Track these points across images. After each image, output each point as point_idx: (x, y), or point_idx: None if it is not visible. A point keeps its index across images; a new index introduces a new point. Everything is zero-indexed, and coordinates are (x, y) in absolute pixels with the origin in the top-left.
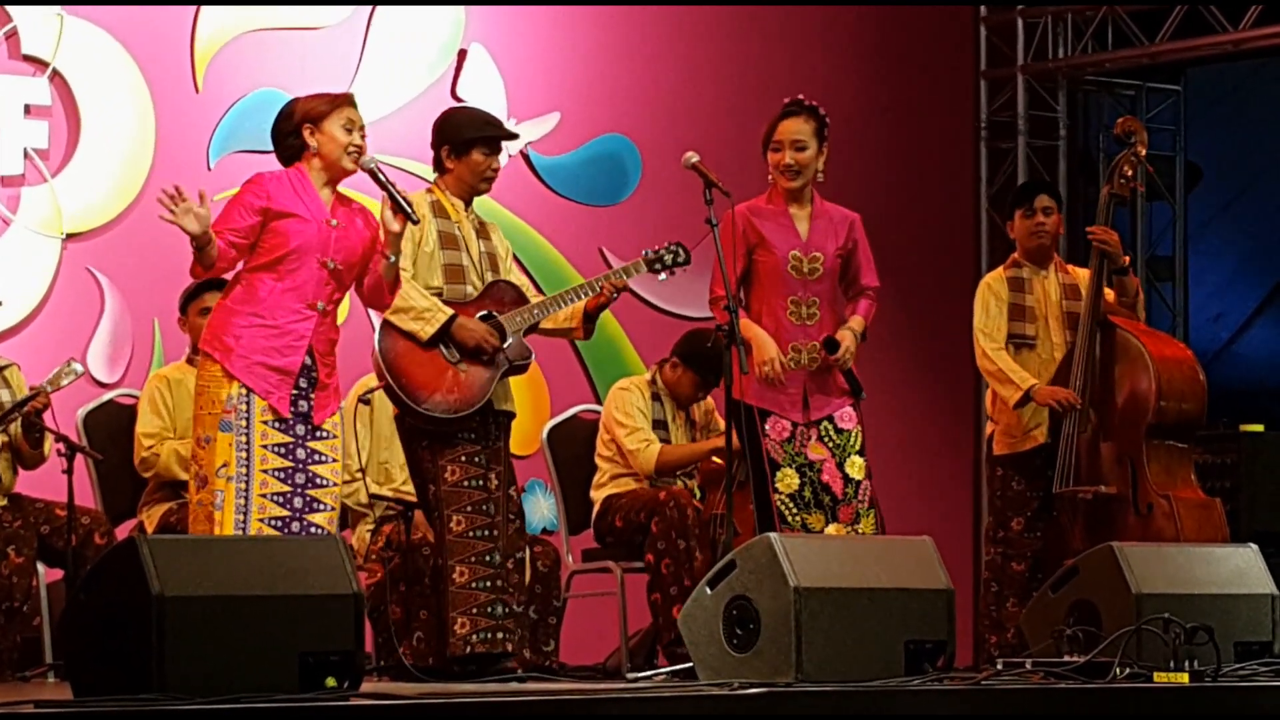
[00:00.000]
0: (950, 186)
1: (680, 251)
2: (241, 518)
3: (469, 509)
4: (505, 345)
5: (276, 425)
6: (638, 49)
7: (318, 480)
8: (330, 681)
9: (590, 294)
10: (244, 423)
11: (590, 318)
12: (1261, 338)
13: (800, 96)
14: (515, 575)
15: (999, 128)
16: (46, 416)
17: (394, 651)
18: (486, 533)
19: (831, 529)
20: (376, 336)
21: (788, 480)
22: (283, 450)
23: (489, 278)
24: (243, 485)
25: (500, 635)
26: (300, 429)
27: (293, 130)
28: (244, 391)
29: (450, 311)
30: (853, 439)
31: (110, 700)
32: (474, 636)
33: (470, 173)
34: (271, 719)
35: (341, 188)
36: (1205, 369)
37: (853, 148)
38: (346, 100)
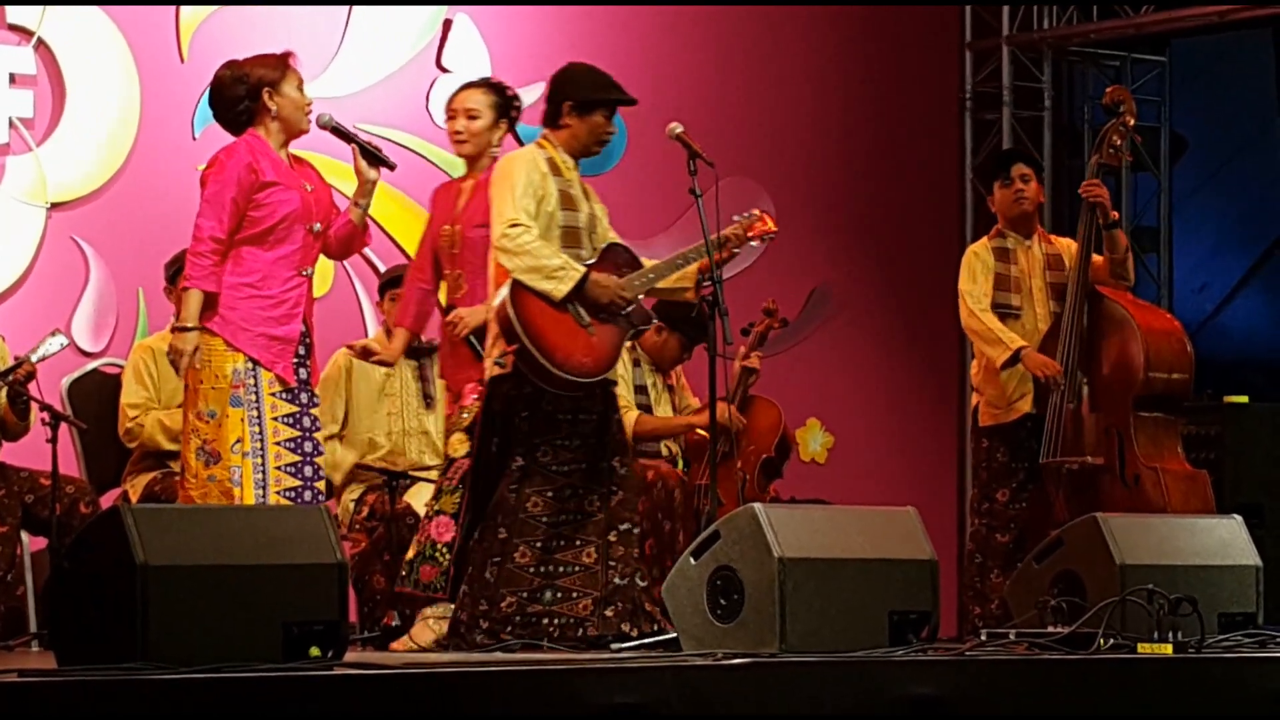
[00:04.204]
0: (935, 158)
1: (769, 220)
2: (261, 492)
3: (550, 494)
4: (629, 308)
5: (284, 396)
6: (622, 19)
7: (319, 448)
8: (314, 651)
9: (699, 258)
10: (254, 397)
11: (702, 278)
12: (1246, 309)
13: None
14: (620, 548)
15: (984, 99)
16: (31, 386)
17: (378, 621)
18: (557, 517)
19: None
20: (507, 297)
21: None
22: (291, 420)
23: (594, 240)
24: (259, 460)
25: (544, 622)
26: (303, 397)
27: (246, 95)
28: (250, 365)
29: (583, 269)
30: (462, 414)
31: (94, 669)
32: (517, 618)
33: (589, 133)
34: (255, 688)
35: (292, 148)
36: (1189, 340)
37: (837, 118)
38: (291, 59)
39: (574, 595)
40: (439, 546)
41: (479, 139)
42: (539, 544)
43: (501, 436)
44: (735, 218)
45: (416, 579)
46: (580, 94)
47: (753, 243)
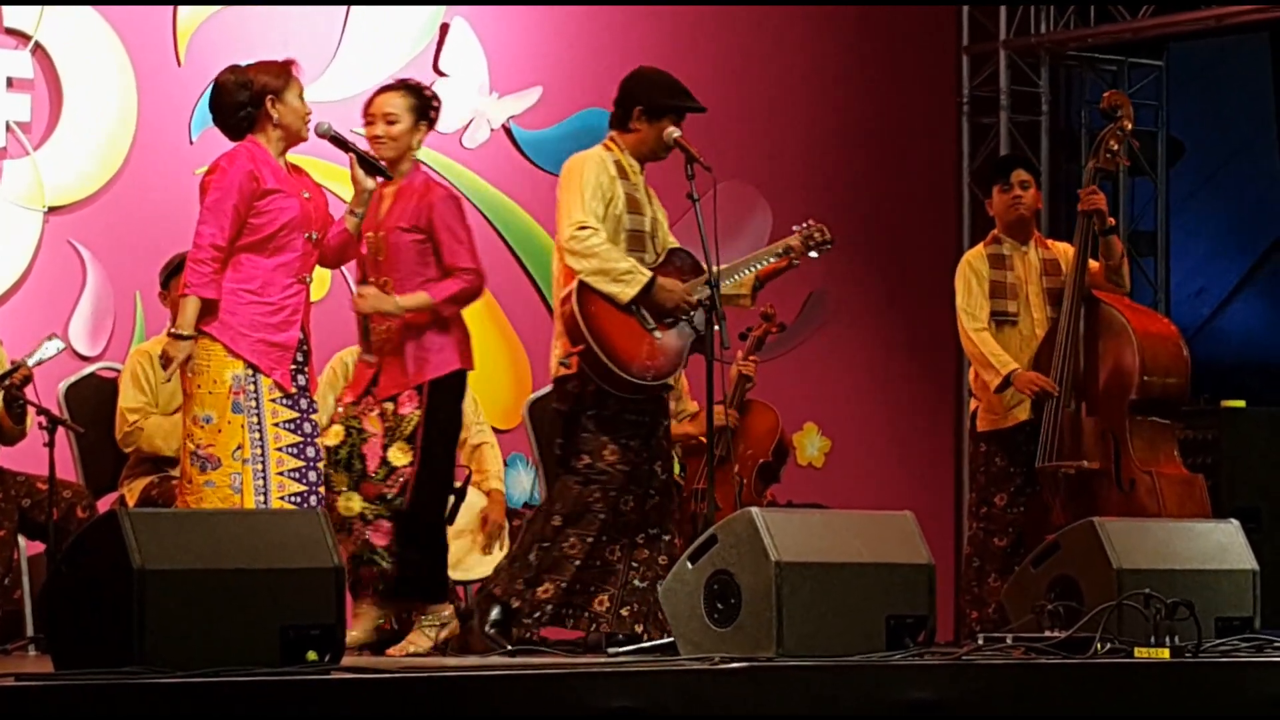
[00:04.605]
0: (932, 162)
1: (826, 231)
2: (262, 499)
3: (613, 492)
4: (693, 314)
5: (284, 402)
6: (619, 23)
7: (321, 453)
8: (311, 655)
9: (760, 265)
10: (254, 403)
11: (758, 285)
12: (1243, 313)
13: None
14: (645, 551)
15: (981, 103)
16: (28, 390)
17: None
18: (609, 514)
19: (353, 495)
20: (574, 299)
21: (333, 436)
22: (292, 426)
23: (656, 245)
24: (259, 467)
25: (563, 611)
26: (303, 403)
27: (249, 101)
28: (250, 371)
29: (650, 273)
30: (405, 424)
31: (91, 673)
32: (548, 607)
33: (657, 138)
34: (252, 692)
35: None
36: (1187, 344)
37: (835, 122)
38: (294, 68)
39: (592, 589)
40: (379, 550)
41: (399, 143)
42: (590, 538)
43: (566, 434)
44: (795, 228)
45: (357, 579)
46: (652, 99)
47: (811, 253)
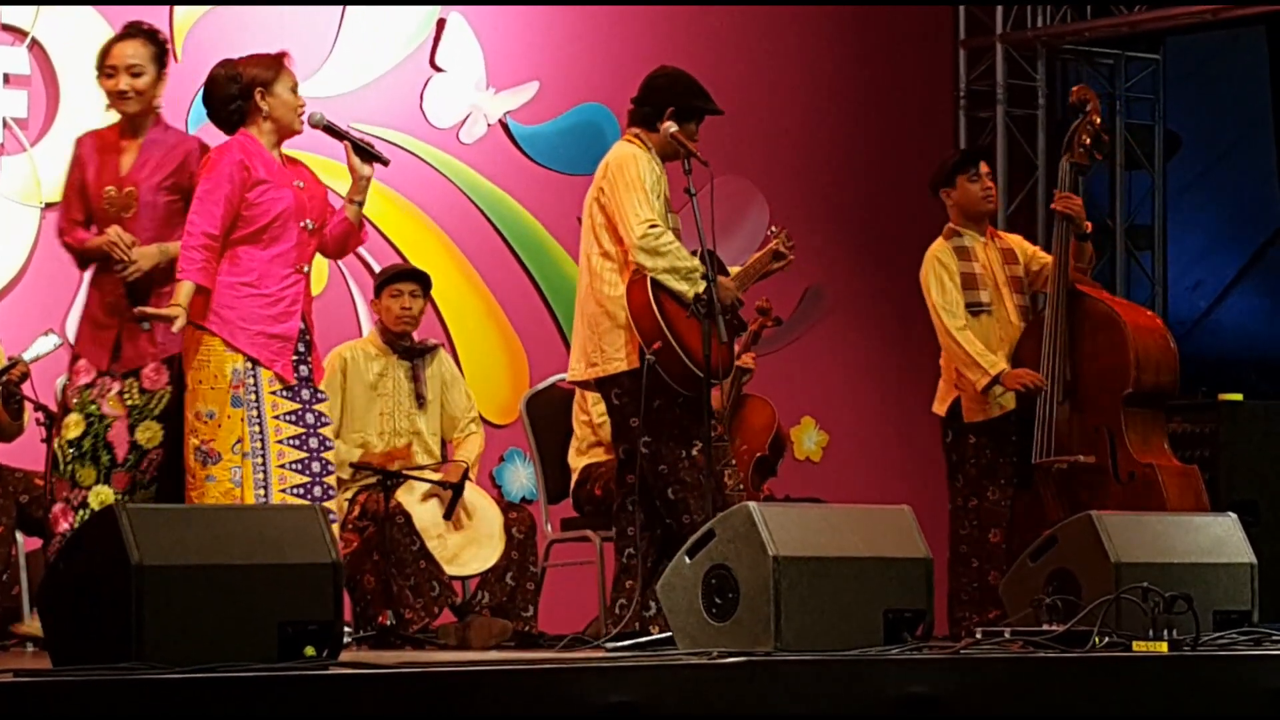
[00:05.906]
0: (929, 156)
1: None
2: (262, 492)
3: (733, 464)
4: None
5: (285, 394)
6: (616, 18)
7: (326, 443)
8: (309, 650)
9: (763, 273)
10: (253, 396)
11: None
12: (1240, 306)
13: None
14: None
15: (978, 97)
16: (25, 386)
17: (371, 620)
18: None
19: (103, 489)
20: (651, 297)
21: (74, 427)
22: (293, 418)
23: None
24: (259, 460)
25: None
26: (305, 393)
27: (239, 95)
28: (249, 365)
29: (703, 269)
30: (154, 401)
31: (89, 669)
32: None
33: (682, 138)
34: (250, 688)
35: (286, 148)
36: (1184, 337)
37: (832, 117)
38: (286, 60)
39: None
40: None
41: (144, 96)
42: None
43: (655, 430)
44: (769, 233)
45: None
46: (684, 101)
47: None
